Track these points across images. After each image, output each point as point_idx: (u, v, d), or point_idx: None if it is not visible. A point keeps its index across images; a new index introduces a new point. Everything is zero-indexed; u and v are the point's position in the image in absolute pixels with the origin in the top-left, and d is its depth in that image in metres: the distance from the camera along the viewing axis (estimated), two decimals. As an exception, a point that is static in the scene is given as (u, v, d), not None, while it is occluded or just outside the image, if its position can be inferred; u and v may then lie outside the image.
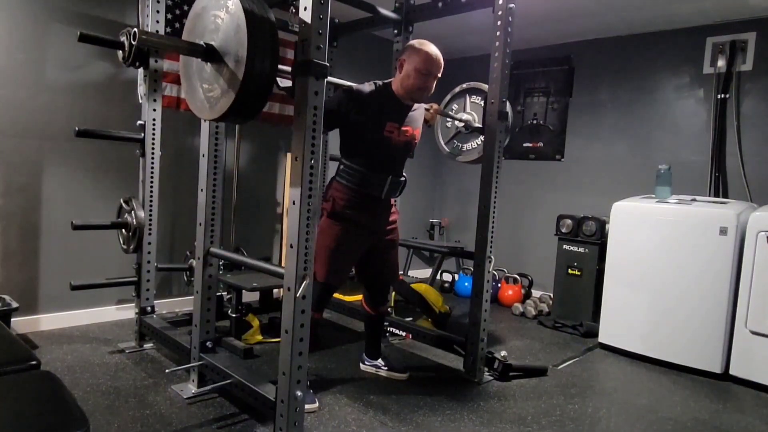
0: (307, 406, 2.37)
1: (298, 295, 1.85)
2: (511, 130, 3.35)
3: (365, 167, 2.46)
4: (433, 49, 2.44)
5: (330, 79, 2.18)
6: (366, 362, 2.92)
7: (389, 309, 3.51)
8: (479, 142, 3.25)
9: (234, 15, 1.73)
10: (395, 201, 2.70)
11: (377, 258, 2.67)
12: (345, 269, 2.58)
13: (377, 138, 2.45)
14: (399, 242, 2.79)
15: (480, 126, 3.19)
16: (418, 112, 2.64)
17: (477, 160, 3.30)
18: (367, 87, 2.46)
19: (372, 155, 2.48)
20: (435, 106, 2.91)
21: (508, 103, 3.27)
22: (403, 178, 2.61)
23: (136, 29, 1.64)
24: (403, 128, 2.52)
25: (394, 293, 3.84)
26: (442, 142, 3.42)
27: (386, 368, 2.86)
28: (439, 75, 2.48)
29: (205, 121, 2.42)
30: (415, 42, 2.47)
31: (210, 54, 1.83)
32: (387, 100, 2.48)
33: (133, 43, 1.65)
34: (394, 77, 2.52)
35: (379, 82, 2.50)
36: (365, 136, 2.45)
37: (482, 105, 3.26)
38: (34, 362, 1.63)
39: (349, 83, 2.47)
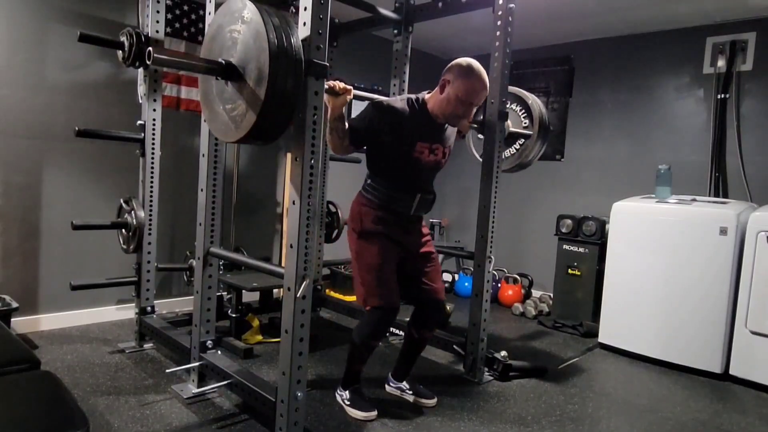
0: (362, 414, 2.37)
1: (298, 295, 1.85)
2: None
3: (393, 185, 2.35)
4: (481, 80, 2.25)
5: (356, 92, 2.20)
6: (391, 383, 2.67)
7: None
8: (517, 148, 3.25)
9: (251, 23, 1.72)
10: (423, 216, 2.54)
11: (421, 272, 2.45)
12: (395, 285, 2.35)
13: (406, 159, 2.31)
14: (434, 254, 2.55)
15: (517, 131, 3.18)
16: (452, 129, 2.50)
17: (515, 167, 3.30)
18: (400, 103, 2.33)
19: (400, 175, 2.35)
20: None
21: (543, 106, 3.27)
22: (431, 195, 2.46)
23: (150, 48, 1.62)
24: (434, 147, 2.37)
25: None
26: (476, 153, 3.39)
27: (411, 392, 2.59)
28: (480, 104, 2.33)
29: (205, 121, 2.42)
30: (463, 63, 2.26)
31: (229, 71, 1.81)
32: (421, 119, 2.33)
33: (148, 63, 1.62)
34: (431, 93, 2.37)
35: (413, 98, 2.36)
36: (394, 156, 2.31)
37: (516, 109, 3.25)
38: (34, 362, 1.63)
39: (378, 97, 2.34)
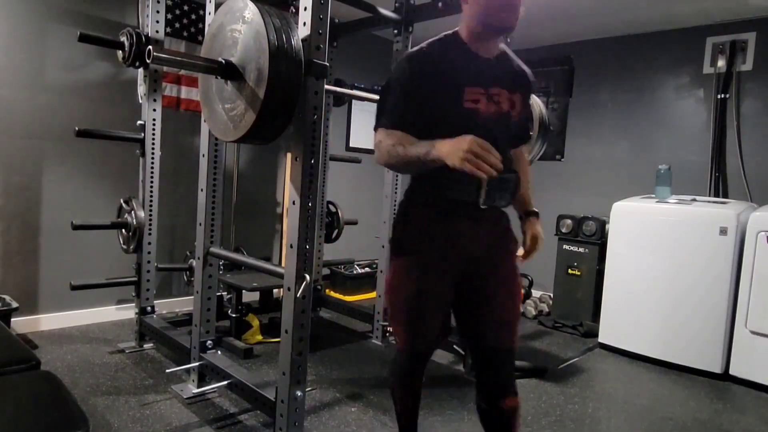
0: None
1: (298, 295, 1.85)
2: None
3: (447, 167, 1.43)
4: None
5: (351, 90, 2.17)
6: None
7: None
8: None
9: (252, 23, 1.73)
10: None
11: (478, 299, 1.65)
12: (434, 326, 1.65)
13: (458, 114, 1.53)
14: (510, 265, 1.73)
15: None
16: (512, 69, 1.70)
17: None
18: (425, 46, 1.59)
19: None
20: None
21: (544, 106, 3.28)
22: (512, 174, 1.62)
23: (150, 47, 1.63)
24: (492, 92, 1.57)
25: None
26: None
27: None
28: None
29: (205, 121, 2.42)
30: None
31: (229, 70, 1.81)
32: (459, 57, 1.58)
33: (147, 61, 1.63)
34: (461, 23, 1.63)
35: (436, 38, 1.62)
36: (440, 114, 1.54)
37: None
38: (34, 362, 1.63)
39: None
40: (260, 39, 1.69)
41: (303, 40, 1.81)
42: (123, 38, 2.82)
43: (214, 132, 2.02)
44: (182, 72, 3.59)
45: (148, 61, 1.65)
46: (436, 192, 1.57)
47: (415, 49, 1.61)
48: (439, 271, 1.60)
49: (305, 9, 1.81)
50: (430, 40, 1.62)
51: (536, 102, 3.24)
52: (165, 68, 3.11)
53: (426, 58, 1.57)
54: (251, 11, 1.74)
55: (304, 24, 1.81)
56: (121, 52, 2.87)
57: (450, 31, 1.64)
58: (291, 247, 1.88)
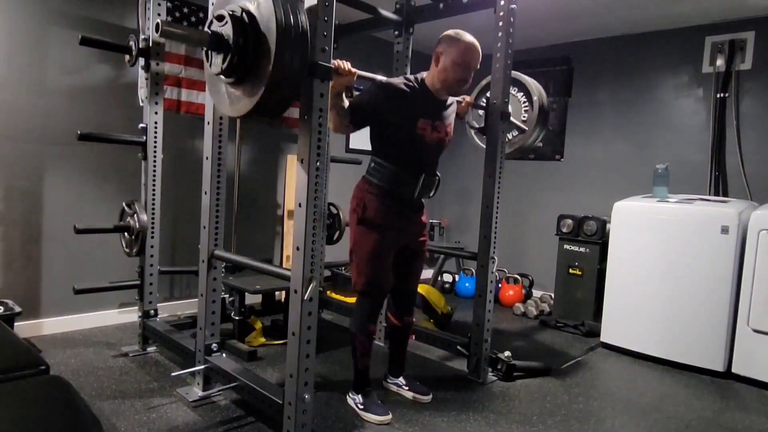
0: (378, 418, 2.36)
1: (305, 297, 1.85)
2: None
3: (397, 165, 2.34)
4: (471, 39, 2.31)
5: (360, 73, 2.21)
6: (389, 380, 2.72)
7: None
8: (514, 134, 3.25)
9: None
10: (425, 202, 2.57)
11: (406, 262, 2.51)
12: (389, 271, 2.41)
13: (409, 136, 2.32)
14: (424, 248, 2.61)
15: (515, 122, 3.17)
16: (452, 107, 2.52)
17: (514, 152, 3.29)
18: (399, 81, 2.36)
19: (404, 153, 2.36)
20: (467, 98, 2.84)
21: (542, 90, 3.27)
22: (436, 177, 2.47)
23: (159, 21, 1.65)
24: (436, 124, 2.39)
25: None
26: (476, 139, 3.40)
27: (408, 388, 2.64)
28: (478, 66, 2.36)
29: (208, 124, 2.41)
30: (450, 32, 2.34)
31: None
32: (420, 96, 2.35)
33: (156, 36, 1.68)
34: (428, 71, 2.39)
35: (411, 77, 2.39)
36: (397, 133, 2.32)
37: (517, 96, 3.25)
38: (43, 367, 1.62)
39: (379, 77, 2.36)
40: (267, 13, 1.67)
41: (309, 9, 1.77)
42: (131, 42, 2.82)
43: (217, 107, 1.99)
44: (183, 74, 3.58)
45: (156, 33, 1.67)
46: (391, 190, 2.36)
47: (398, 80, 2.36)
48: (389, 238, 2.38)
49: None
50: (409, 79, 2.38)
51: (535, 86, 3.23)
52: (166, 70, 3.11)
53: (400, 90, 2.32)
54: None
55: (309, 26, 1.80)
56: (127, 56, 2.88)
57: (420, 76, 2.40)
58: (297, 249, 1.87)
